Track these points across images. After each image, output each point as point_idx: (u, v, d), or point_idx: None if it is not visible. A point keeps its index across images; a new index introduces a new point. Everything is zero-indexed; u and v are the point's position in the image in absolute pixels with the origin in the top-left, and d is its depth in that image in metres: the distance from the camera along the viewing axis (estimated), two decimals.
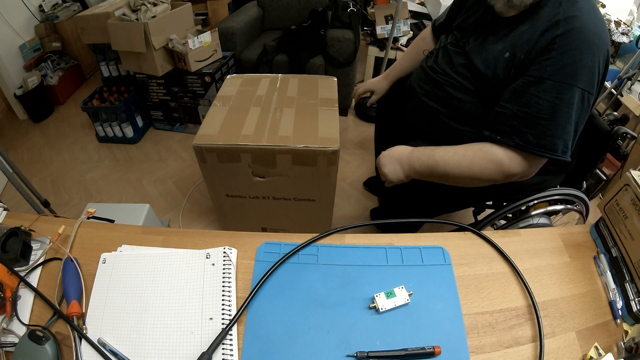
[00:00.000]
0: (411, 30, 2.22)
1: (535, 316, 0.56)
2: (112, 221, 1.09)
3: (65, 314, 0.53)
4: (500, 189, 0.96)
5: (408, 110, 1.11)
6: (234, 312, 0.55)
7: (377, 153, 1.57)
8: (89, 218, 0.71)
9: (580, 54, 0.69)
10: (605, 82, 2.11)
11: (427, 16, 2.43)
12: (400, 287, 0.57)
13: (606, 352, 0.52)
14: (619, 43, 2.18)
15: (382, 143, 1.48)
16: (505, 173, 0.79)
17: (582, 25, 0.70)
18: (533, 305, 0.57)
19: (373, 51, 2.27)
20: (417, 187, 1.05)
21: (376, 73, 2.41)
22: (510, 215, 1.08)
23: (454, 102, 0.92)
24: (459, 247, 0.66)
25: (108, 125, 2.17)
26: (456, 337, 0.54)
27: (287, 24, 2.47)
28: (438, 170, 0.85)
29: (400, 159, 0.90)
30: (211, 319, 0.54)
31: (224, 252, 0.62)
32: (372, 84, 1.34)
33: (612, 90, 2.04)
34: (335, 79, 1.45)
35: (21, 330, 0.53)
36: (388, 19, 2.15)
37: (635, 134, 1.00)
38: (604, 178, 1.18)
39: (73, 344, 0.51)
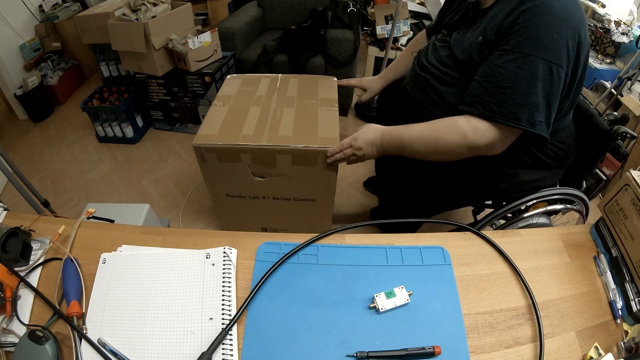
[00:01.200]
0: (411, 30, 2.22)
1: (535, 316, 0.56)
2: (112, 221, 1.09)
3: (65, 314, 0.53)
4: (497, 186, 0.96)
5: (402, 110, 1.12)
6: (234, 312, 0.55)
7: None
8: (89, 218, 0.71)
9: (544, 26, 0.70)
10: (605, 82, 2.12)
11: (427, 16, 2.43)
12: (400, 287, 0.57)
13: (606, 352, 0.52)
14: (619, 43, 2.18)
15: None
16: (470, 144, 0.79)
17: (547, 0, 0.70)
18: (533, 305, 0.57)
19: (373, 51, 2.27)
20: (416, 187, 1.05)
21: (376, 73, 2.40)
22: (509, 215, 1.08)
23: (444, 96, 0.93)
24: (459, 247, 0.66)
25: (108, 125, 2.17)
26: (456, 337, 0.54)
27: (287, 24, 2.47)
28: (407, 150, 0.89)
29: (374, 142, 0.97)
30: (211, 319, 0.54)
31: (224, 252, 0.62)
32: (367, 82, 1.35)
33: (612, 90, 2.04)
34: (335, 79, 1.45)
35: (21, 330, 0.53)
36: (388, 19, 2.15)
37: (635, 134, 1.00)
38: (604, 178, 1.19)
39: (73, 344, 0.51)
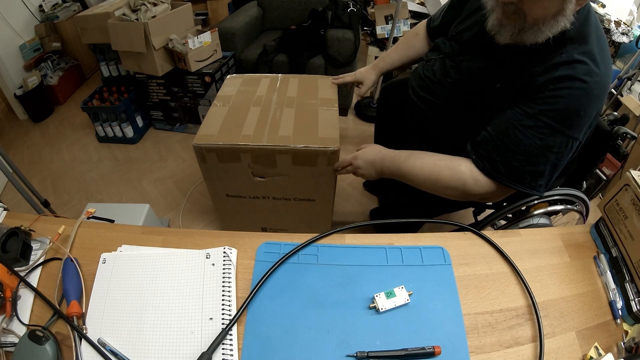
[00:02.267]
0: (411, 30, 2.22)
1: (535, 316, 0.56)
2: (112, 221, 1.09)
3: (65, 314, 0.53)
4: None
5: (407, 113, 1.12)
6: (234, 312, 0.55)
7: None
8: (89, 218, 0.71)
9: (576, 105, 0.67)
10: None
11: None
12: (400, 287, 0.57)
13: (606, 352, 0.52)
14: (619, 43, 2.18)
15: (381, 143, 1.48)
16: (466, 192, 0.80)
17: (585, 72, 0.65)
18: (533, 305, 0.57)
19: (373, 51, 2.27)
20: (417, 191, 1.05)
21: None
22: (510, 216, 1.08)
23: (447, 111, 0.94)
24: (459, 247, 0.66)
25: (108, 125, 2.17)
26: (456, 337, 0.54)
27: (287, 24, 2.47)
28: (404, 179, 0.90)
29: (373, 163, 0.97)
30: (211, 319, 0.54)
31: (224, 252, 0.62)
32: (361, 75, 1.31)
33: (612, 90, 2.04)
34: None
35: (21, 330, 0.53)
36: (388, 19, 2.15)
37: (635, 134, 1.00)
38: (604, 178, 1.18)
39: (73, 344, 0.51)
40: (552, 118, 0.68)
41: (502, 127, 0.75)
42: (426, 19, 1.20)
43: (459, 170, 0.80)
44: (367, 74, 1.31)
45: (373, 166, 0.97)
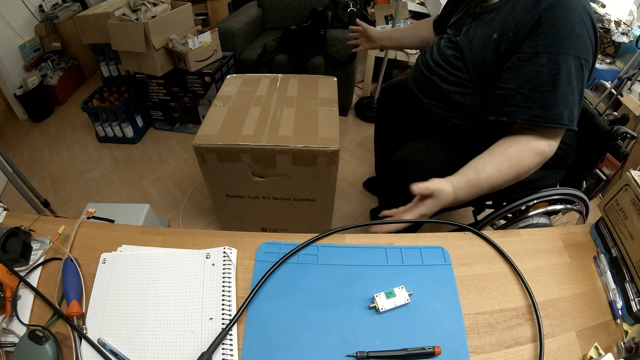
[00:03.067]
0: None
1: (535, 316, 0.56)
2: (112, 221, 1.09)
3: (65, 314, 0.53)
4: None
5: (407, 109, 1.12)
6: (234, 312, 0.55)
7: (377, 153, 1.57)
8: (89, 218, 0.71)
9: (567, 23, 0.70)
10: (605, 82, 2.11)
11: (427, 16, 2.43)
12: (400, 287, 0.57)
13: (606, 352, 0.52)
14: (619, 43, 2.18)
15: (382, 143, 1.49)
16: (547, 158, 0.79)
17: None
18: (533, 305, 0.57)
19: (373, 51, 2.27)
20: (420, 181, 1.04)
21: (376, 73, 2.41)
22: (510, 215, 1.08)
23: (449, 95, 0.93)
24: (459, 247, 0.66)
25: (108, 125, 2.17)
26: (456, 337, 0.54)
27: (287, 24, 2.47)
28: (484, 191, 0.80)
29: (443, 204, 0.80)
30: (211, 319, 0.54)
31: (224, 252, 0.62)
32: (372, 31, 1.34)
33: (612, 90, 2.04)
34: (335, 79, 1.45)
35: (21, 330, 0.53)
36: (388, 19, 2.15)
37: (635, 134, 1.00)
38: (604, 178, 1.19)
39: (73, 344, 0.51)
40: (557, 46, 0.71)
41: (519, 77, 0.75)
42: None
43: (533, 145, 0.77)
44: (376, 34, 1.34)
45: (441, 205, 0.80)
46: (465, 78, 0.88)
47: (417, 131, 1.09)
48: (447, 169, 0.97)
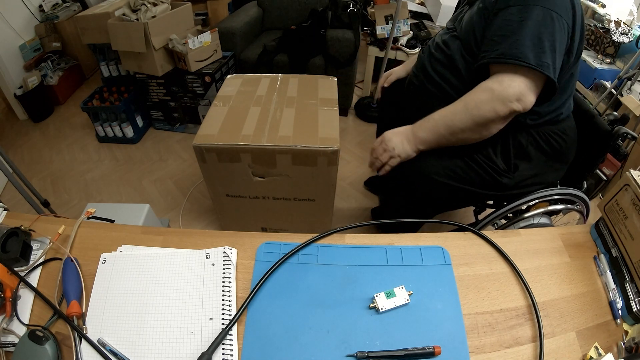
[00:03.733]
0: (411, 30, 2.22)
1: (535, 316, 0.56)
2: (112, 221, 1.09)
3: (65, 314, 0.53)
4: (499, 181, 0.96)
5: (409, 105, 1.12)
6: (234, 312, 0.55)
7: None
8: (89, 218, 0.71)
9: None
10: (605, 82, 2.11)
11: (427, 16, 2.43)
12: (400, 287, 0.57)
13: (606, 352, 0.52)
14: (619, 43, 2.18)
15: None
16: (500, 96, 0.79)
17: None
18: (533, 305, 0.57)
19: (373, 51, 2.27)
20: (417, 185, 1.05)
21: (376, 73, 2.41)
22: (510, 215, 1.08)
23: (451, 81, 0.96)
24: (459, 247, 0.66)
25: (108, 125, 2.17)
26: (456, 337, 0.54)
27: (287, 24, 2.47)
28: (441, 128, 0.87)
29: (404, 133, 0.93)
30: (211, 319, 0.54)
31: (224, 252, 0.62)
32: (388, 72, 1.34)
33: (612, 90, 2.04)
34: (335, 79, 1.45)
35: (21, 330, 0.53)
36: (388, 19, 2.15)
37: (635, 134, 1.00)
38: (604, 178, 1.19)
39: (73, 344, 0.51)
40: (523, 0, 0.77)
41: (493, 27, 0.81)
42: None
43: (480, 85, 0.82)
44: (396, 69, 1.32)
45: (405, 137, 0.93)
46: (464, 62, 0.92)
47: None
48: (448, 164, 0.98)
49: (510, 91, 0.78)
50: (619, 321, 0.58)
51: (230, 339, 0.52)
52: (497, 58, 0.79)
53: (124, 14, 1.82)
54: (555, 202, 1.02)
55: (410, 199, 1.12)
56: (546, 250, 0.67)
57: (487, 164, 0.95)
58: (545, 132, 0.93)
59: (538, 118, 0.91)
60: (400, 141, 0.93)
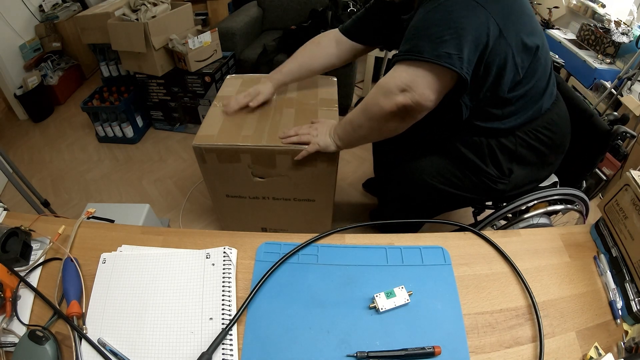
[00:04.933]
0: None
1: (535, 316, 0.56)
2: (112, 221, 1.09)
3: (65, 314, 0.53)
4: (494, 188, 0.96)
5: None
6: (234, 312, 0.55)
7: (375, 153, 1.57)
8: (89, 218, 0.71)
9: None
10: (605, 82, 2.11)
11: None
12: (400, 287, 0.57)
13: (606, 352, 0.52)
14: (619, 43, 2.18)
15: (380, 144, 1.48)
16: (384, 90, 0.76)
17: None
18: (533, 305, 0.57)
19: (373, 51, 2.27)
20: (413, 193, 1.05)
21: (376, 73, 2.41)
22: (510, 215, 1.08)
23: None
24: (459, 247, 0.66)
25: (108, 125, 2.17)
26: (456, 337, 0.54)
27: (287, 24, 2.47)
28: (347, 126, 0.92)
29: (329, 127, 1.00)
30: (211, 319, 0.54)
31: (224, 252, 0.62)
32: (255, 89, 1.20)
33: (612, 90, 2.04)
34: (335, 79, 1.45)
35: (21, 330, 0.53)
36: None
37: (635, 134, 1.00)
38: (604, 178, 1.19)
39: (73, 344, 0.51)
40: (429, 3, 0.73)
41: (409, 28, 0.77)
42: (332, 30, 1.16)
43: (379, 83, 0.80)
44: (263, 87, 1.20)
45: (328, 131, 0.99)
46: None
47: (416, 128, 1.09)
48: (443, 172, 0.98)
49: (392, 82, 0.74)
50: (619, 321, 0.58)
51: (230, 339, 0.52)
52: (395, 57, 0.76)
53: (124, 14, 1.82)
54: (555, 202, 1.02)
55: (407, 204, 1.12)
56: (546, 250, 0.67)
57: (480, 174, 0.95)
58: (531, 129, 0.89)
59: (509, 120, 0.87)
60: (325, 131, 0.99)
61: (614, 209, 0.65)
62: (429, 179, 0.99)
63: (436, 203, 1.08)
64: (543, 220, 1.02)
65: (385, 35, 1.06)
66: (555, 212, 1.03)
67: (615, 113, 1.12)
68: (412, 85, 0.73)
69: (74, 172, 2.06)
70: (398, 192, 1.14)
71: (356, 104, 2.46)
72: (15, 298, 0.56)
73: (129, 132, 2.20)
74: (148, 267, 0.60)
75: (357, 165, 2.05)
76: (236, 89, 1.39)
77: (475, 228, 0.71)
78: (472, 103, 0.84)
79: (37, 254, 0.63)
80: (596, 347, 0.54)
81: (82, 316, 0.54)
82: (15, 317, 0.54)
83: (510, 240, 0.68)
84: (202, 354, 0.49)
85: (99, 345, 0.51)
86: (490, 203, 1.15)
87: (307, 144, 1.01)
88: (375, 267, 0.62)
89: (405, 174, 1.05)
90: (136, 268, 0.60)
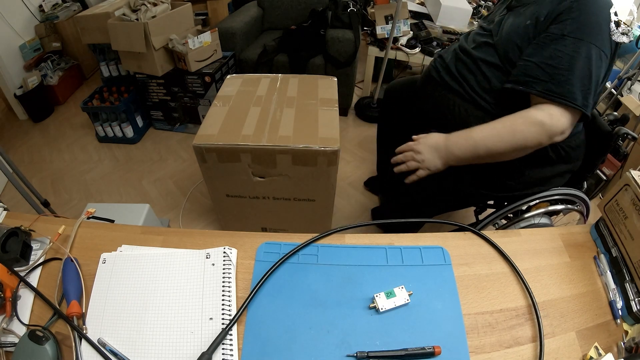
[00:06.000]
0: (411, 30, 2.22)
1: (535, 316, 0.56)
2: (112, 221, 1.09)
3: (65, 314, 0.53)
4: (505, 183, 0.96)
5: (423, 100, 1.11)
6: (234, 312, 0.55)
7: (380, 152, 1.57)
8: (89, 218, 0.71)
9: (595, 15, 0.78)
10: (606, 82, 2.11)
11: (427, 16, 2.43)
12: (400, 287, 0.57)
13: (606, 352, 0.52)
14: (619, 43, 2.18)
15: (385, 142, 1.49)
16: (548, 131, 0.80)
17: None
18: (533, 305, 0.57)
19: (373, 51, 2.27)
20: (418, 186, 1.05)
21: (376, 73, 2.41)
22: (511, 215, 1.08)
23: (478, 78, 0.94)
24: (459, 247, 0.66)
25: (108, 125, 2.17)
26: (456, 337, 0.54)
27: (287, 24, 2.47)
28: (480, 150, 0.85)
29: (437, 147, 0.89)
30: (211, 319, 0.54)
31: (224, 252, 0.62)
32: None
33: (612, 90, 2.04)
34: (335, 79, 1.45)
35: (21, 330, 0.53)
36: (388, 19, 2.15)
37: (635, 134, 1.00)
38: (604, 178, 1.19)
39: (73, 344, 0.51)
40: (581, 33, 0.77)
41: (543, 53, 0.80)
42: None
43: (530, 115, 0.80)
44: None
45: (437, 151, 0.89)
46: (493, 61, 0.91)
47: (431, 122, 1.08)
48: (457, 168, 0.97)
49: (558, 126, 0.79)
50: (619, 321, 0.58)
51: (230, 339, 0.52)
52: (545, 93, 0.79)
53: (124, 14, 1.82)
54: (556, 202, 1.02)
55: (411, 198, 1.12)
56: (546, 250, 0.67)
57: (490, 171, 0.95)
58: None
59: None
60: (432, 155, 0.90)
61: (614, 209, 0.65)
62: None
63: (440, 200, 1.07)
64: (544, 220, 1.02)
65: None
66: (556, 212, 1.03)
67: (615, 113, 1.12)
68: (568, 129, 0.81)
69: (74, 172, 2.06)
70: (401, 191, 1.13)
71: (356, 104, 2.47)
72: (15, 298, 0.56)
73: (129, 132, 2.20)
74: (148, 267, 0.60)
75: (357, 165, 2.05)
76: (236, 89, 1.39)
77: (477, 227, 0.71)
78: None
79: (37, 254, 0.63)
80: (596, 347, 0.54)
81: (82, 316, 0.54)
82: (15, 317, 0.54)
83: (510, 240, 0.68)
84: (202, 354, 0.49)
85: (99, 345, 0.51)
86: (492, 202, 1.15)
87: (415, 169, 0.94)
88: (375, 267, 0.62)
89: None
90: (136, 268, 0.60)
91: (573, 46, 0.77)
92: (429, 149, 0.90)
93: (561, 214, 1.06)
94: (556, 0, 0.81)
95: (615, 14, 0.81)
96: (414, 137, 0.95)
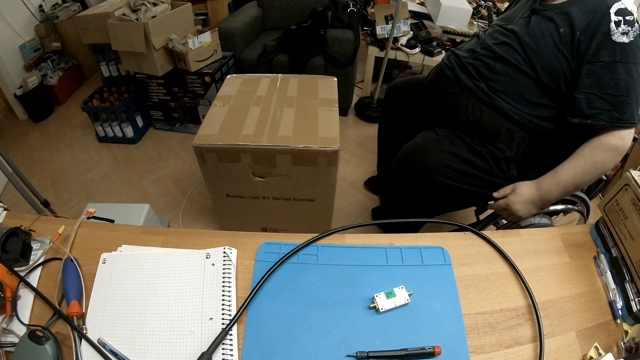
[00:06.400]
0: (411, 30, 2.22)
1: (535, 316, 0.56)
2: (112, 221, 1.09)
3: (65, 314, 0.53)
4: (503, 185, 0.97)
5: (434, 98, 1.11)
6: (234, 312, 0.55)
7: (380, 152, 1.57)
8: (89, 218, 0.71)
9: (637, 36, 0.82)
10: None
11: (427, 16, 2.43)
12: (400, 287, 0.57)
13: (606, 352, 0.52)
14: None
15: (386, 141, 1.49)
16: (622, 152, 0.86)
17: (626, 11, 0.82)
18: (533, 305, 0.57)
19: (373, 51, 2.27)
20: (418, 187, 1.05)
21: (376, 73, 2.41)
22: None
23: (499, 78, 0.96)
24: (459, 247, 0.66)
25: (108, 125, 2.17)
26: (456, 337, 0.54)
27: (287, 24, 2.47)
28: (570, 189, 0.91)
29: (532, 201, 0.93)
30: (211, 319, 0.54)
31: (224, 252, 0.62)
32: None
33: None
34: (335, 79, 1.45)
35: (21, 330, 0.53)
36: (388, 19, 2.15)
37: (637, 136, 1.00)
38: (604, 178, 1.18)
39: (73, 344, 0.51)
40: (628, 57, 0.82)
41: (602, 85, 0.84)
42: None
43: (605, 144, 0.86)
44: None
45: (533, 204, 0.94)
46: (517, 63, 0.93)
47: (435, 122, 1.09)
48: (457, 154, 0.98)
49: (628, 144, 0.86)
50: (619, 321, 0.58)
51: (230, 339, 0.52)
52: (612, 122, 0.84)
53: (124, 14, 1.82)
54: (556, 202, 1.02)
55: (411, 198, 1.12)
56: (546, 250, 0.67)
57: (495, 170, 0.96)
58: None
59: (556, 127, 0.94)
60: (528, 208, 0.94)
61: (614, 209, 0.65)
62: (436, 173, 0.99)
63: (440, 201, 1.07)
64: (544, 220, 1.02)
65: None
66: (557, 212, 1.03)
67: None
68: (629, 140, 0.87)
69: (74, 172, 2.06)
70: (408, 178, 1.13)
71: (356, 104, 2.47)
72: (15, 298, 0.56)
73: (129, 132, 2.20)
74: (148, 267, 0.60)
75: (357, 165, 2.05)
76: (236, 89, 1.39)
77: (477, 227, 0.71)
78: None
79: (37, 254, 0.63)
80: (596, 347, 0.54)
81: (82, 316, 0.54)
82: (15, 317, 0.54)
83: (510, 240, 0.68)
84: (202, 354, 0.49)
85: (99, 345, 0.51)
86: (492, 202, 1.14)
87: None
88: (375, 267, 0.62)
89: (419, 155, 1.04)
90: (136, 268, 0.60)
91: (626, 72, 0.82)
92: (525, 205, 0.94)
93: (561, 214, 1.06)
94: (590, 15, 0.83)
95: (616, 14, 0.81)
96: (496, 194, 0.98)
